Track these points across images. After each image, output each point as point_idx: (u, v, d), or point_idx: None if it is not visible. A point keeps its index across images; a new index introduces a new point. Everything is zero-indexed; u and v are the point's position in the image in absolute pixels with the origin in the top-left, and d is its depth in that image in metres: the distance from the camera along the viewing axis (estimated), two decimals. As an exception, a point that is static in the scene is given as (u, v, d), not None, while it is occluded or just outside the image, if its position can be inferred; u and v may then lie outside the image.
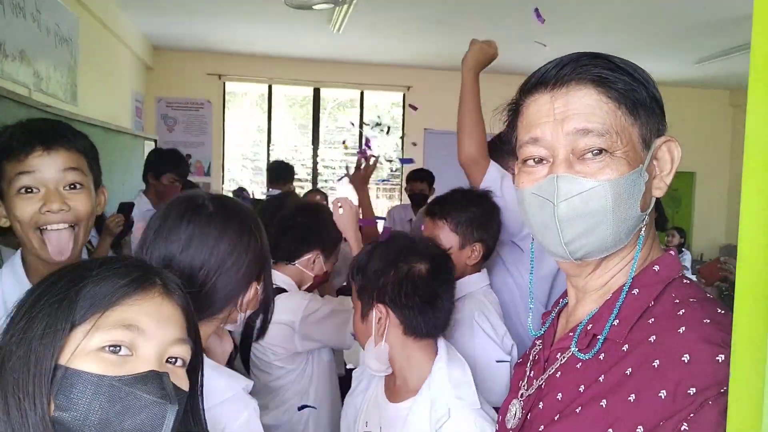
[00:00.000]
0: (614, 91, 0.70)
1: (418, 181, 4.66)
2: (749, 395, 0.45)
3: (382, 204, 7.63)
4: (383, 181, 7.67)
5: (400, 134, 7.49)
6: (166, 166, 3.38)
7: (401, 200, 7.39)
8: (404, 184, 4.62)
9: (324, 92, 7.36)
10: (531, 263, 0.88)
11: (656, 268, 0.72)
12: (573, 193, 0.69)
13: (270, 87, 7.16)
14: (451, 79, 8.29)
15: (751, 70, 0.50)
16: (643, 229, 0.72)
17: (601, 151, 0.69)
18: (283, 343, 1.70)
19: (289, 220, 1.88)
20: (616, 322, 0.70)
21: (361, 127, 7.46)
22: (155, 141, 5.63)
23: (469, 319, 1.56)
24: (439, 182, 7.50)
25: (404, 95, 7.37)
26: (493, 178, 1.78)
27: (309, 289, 1.90)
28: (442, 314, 1.25)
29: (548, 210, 0.70)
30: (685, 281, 0.73)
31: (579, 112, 0.70)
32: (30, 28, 3.16)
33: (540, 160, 0.74)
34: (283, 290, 1.78)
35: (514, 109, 0.80)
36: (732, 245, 6.72)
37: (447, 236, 1.61)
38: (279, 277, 1.81)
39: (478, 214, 1.63)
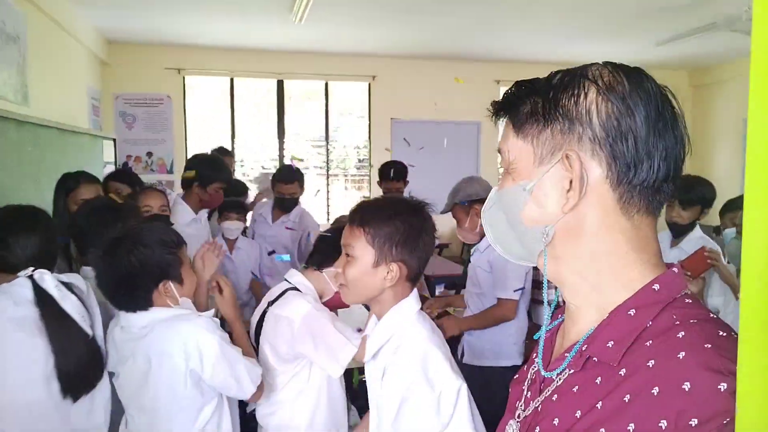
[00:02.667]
0: (514, 117, 0.76)
1: (394, 180, 4.22)
2: (758, 415, 0.43)
3: (353, 196, 7.57)
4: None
5: (367, 123, 7.43)
6: (213, 174, 3.24)
7: (371, 191, 7.35)
8: (376, 177, 4.39)
9: (288, 84, 7.25)
10: (544, 255, 0.92)
11: (656, 287, 0.69)
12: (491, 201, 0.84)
13: (232, 80, 7.01)
14: (417, 67, 8.31)
15: (752, 67, 0.47)
16: (545, 244, 0.74)
17: (506, 169, 0.77)
18: (281, 336, 1.78)
19: (331, 231, 1.98)
20: (610, 344, 0.68)
21: (326, 118, 7.37)
22: (114, 140, 5.45)
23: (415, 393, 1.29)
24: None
25: (369, 85, 7.31)
26: None
27: (329, 303, 1.92)
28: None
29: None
30: (687, 300, 0.69)
31: (503, 138, 0.79)
32: (-27, 27, 3.00)
33: None
34: (299, 291, 1.86)
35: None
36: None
37: (362, 248, 1.38)
38: (299, 278, 1.90)
39: (402, 228, 1.39)
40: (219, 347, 1.61)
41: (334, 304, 1.94)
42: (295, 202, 3.76)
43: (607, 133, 0.68)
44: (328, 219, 7.17)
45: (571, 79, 0.73)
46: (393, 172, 4.27)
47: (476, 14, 5.26)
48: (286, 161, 7.05)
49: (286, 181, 3.70)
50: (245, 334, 1.85)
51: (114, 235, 1.67)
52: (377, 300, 1.41)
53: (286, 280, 1.92)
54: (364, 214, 1.42)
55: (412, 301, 1.41)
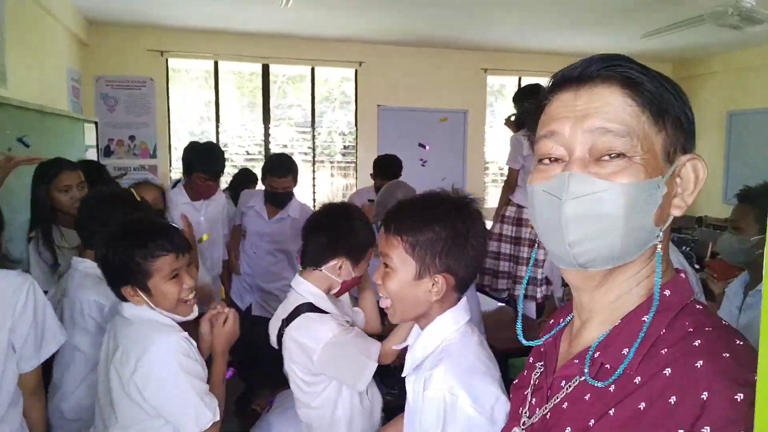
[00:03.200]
0: (641, 94, 0.66)
1: (386, 179, 3.95)
2: None
3: (339, 183, 7.53)
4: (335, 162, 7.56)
5: (353, 110, 7.38)
6: (195, 164, 3.16)
7: (357, 179, 7.32)
8: (362, 165, 4.35)
9: (273, 68, 7.15)
10: (528, 267, 0.84)
11: (667, 292, 0.68)
12: (584, 193, 0.65)
13: (216, 63, 6.90)
14: (404, 54, 8.25)
15: None
16: (659, 246, 0.68)
17: (619, 154, 0.65)
18: (303, 362, 1.68)
19: (315, 223, 1.84)
20: (624, 351, 0.66)
21: (312, 104, 7.30)
22: (96, 123, 5.34)
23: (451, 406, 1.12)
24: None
25: (356, 71, 7.24)
26: None
27: (339, 293, 1.85)
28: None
29: (555, 207, 0.67)
30: (697, 306, 0.69)
31: (601, 110, 0.66)
32: (-53, 4, 2.90)
33: (555, 160, 0.70)
34: (312, 305, 1.72)
35: (537, 108, 0.76)
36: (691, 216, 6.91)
37: (401, 260, 1.21)
38: (305, 286, 1.76)
39: (444, 234, 1.20)
40: (173, 376, 1.48)
41: (343, 291, 1.86)
42: (289, 196, 3.46)
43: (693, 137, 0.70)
44: (314, 206, 7.13)
45: (675, 84, 0.70)
46: (385, 166, 4.20)
47: (465, 3, 5.23)
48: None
49: (279, 174, 3.34)
50: (223, 373, 1.71)
51: (112, 227, 1.62)
52: (424, 315, 1.25)
53: (291, 287, 1.83)
54: (399, 220, 1.23)
55: (460, 311, 1.25)
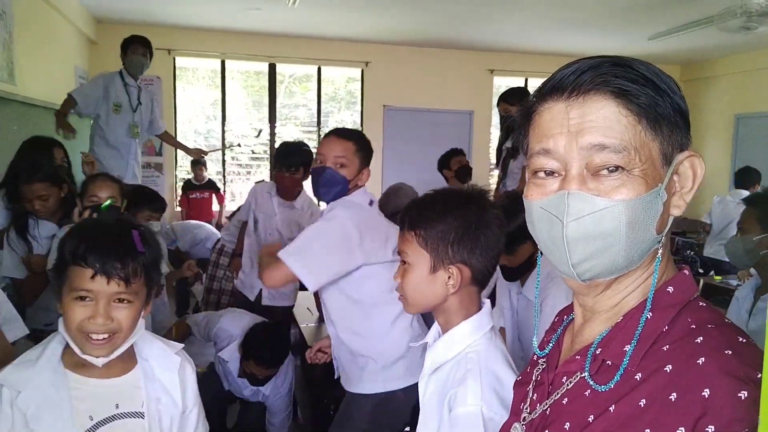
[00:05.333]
0: (635, 104, 0.65)
1: (462, 155, 4.75)
2: None
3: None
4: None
5: (359, 110, 7.39)
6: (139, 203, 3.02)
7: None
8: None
9: (280, 67, 7.17)
10: (537, 278, 0.83)
11: (670, 289, 0.68)
12: (584, 213, 0.64)
13: (223, 62, 6.92)
14: (411, 54, 8.24)
15: None
16: (660, 250, 0.68)
17: (617, 168, 0.64)
18: None
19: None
20: (626, 348, 0.66)
21: (318, 104, 7.31)
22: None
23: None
24: (397, 161, 7.47)
25: (362, 71, 7.25)
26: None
27: None
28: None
29: (557, 228, 0.66)
30: (700, 303, 0.68)
31: (596, 125, 0.65)
32: (-43, 1, 2.93)
33: (551, 173, 0.69)
34: None
35: (526, 114, 0.74)
36: (684, 218, 6.91)
37: (416, 254, 1.23)
38: None
39: (455, 224, 1.20)
40: None
41: None
42: (299, 191, 3.37)
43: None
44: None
45: (666, 76, 0.69)
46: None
47: (470, 3, 5.22)
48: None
49: (288, 167, 3.19)
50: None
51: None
52: (442, 309, 1.24)
53: None
54: (412, 215, 1.25)
55: (484, 318, 1.24)
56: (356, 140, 2.05)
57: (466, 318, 1.22)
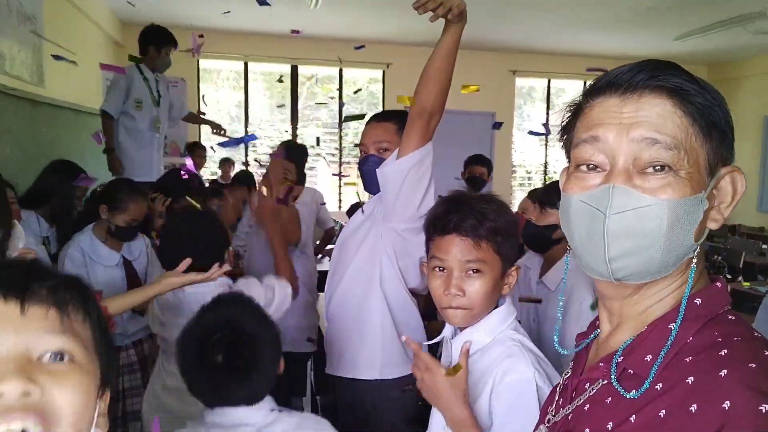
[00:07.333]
0: (691, 106, 0.64)
1: (480, 165, 4.71)
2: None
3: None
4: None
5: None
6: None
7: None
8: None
9: (302, 69, 7.22)
10: (564, 275, 0.82)
11: (698, 301, 0.67)
12: (628, 207, 0.63)
13: (246, 64, 6.99)
14: (432, 55, 8.07)
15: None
16: (694, 260, 0.67)
17: (664, 167, 0.63)
18: None
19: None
20: (648, 358, 0.65)
21: (341, 106, 7.34)
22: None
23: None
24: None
25: (384, 72, 7.26)
26: (429, 150, 1.74)
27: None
28: None
29: (598, 221, 0.65)
30: (730, 317, 0.67)
31: (649, 120, 0.64)
32: (-10, 6, 3.00)
33: (594, 168, 0.68)
34: None
35: (575, 111, 0.73)
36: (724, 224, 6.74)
37: (491, 259, 1.19)
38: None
39: (514, 223, 1.24)
40: None
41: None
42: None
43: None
44: (339, 207, 7.17)
45: (719, 94, 0.68)
46: (477, 159, 4.67)
47: (493, 4, 5.20)
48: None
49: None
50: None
51: None
52: None
53: None
54: (481, 220, 1.19)
55: (510, 308, 1.25)
56: (396, 120, 1.92)
57: (488, 310, 1.23)
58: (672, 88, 0.64)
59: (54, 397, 0.56)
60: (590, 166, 0.68)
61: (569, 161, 0.72)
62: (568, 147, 0.73)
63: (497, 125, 3.12)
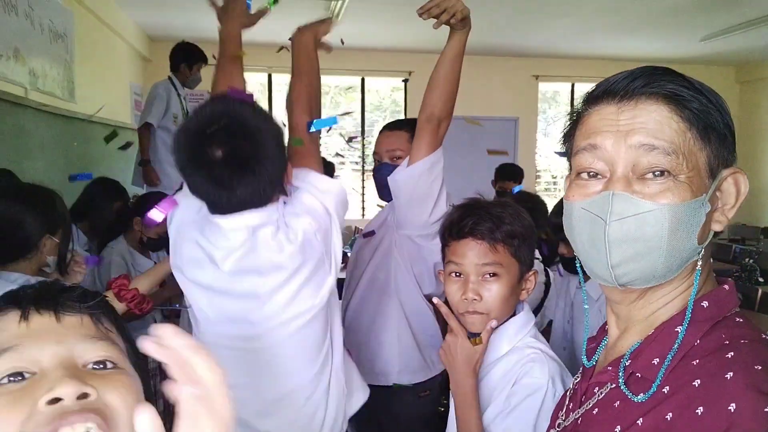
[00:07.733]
0: (687, 110, 0.65)
1: (512, 181, 4.52)
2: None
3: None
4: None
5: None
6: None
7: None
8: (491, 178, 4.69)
9: (324, 79, 7.27)
10: (581, 278, 0.82)
11: (704, 303, 0.67)
12: (628, 214, 0.64)
13: (270, 75, 7.08)
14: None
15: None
16: (699, 262, 0.67)
17: (663, 172, 0.64)
18: None
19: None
20: (655, 361, 0.66)
21: (362, 114, 7.38)
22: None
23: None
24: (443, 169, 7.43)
25: (406, 81, 7.28)
26: (439, 156, 1.76)
27: None
28: None
29: (599, 228, 0.66)
30: (738, 319, 0.67)
31: (646, 126, 0.64)
32: (23, 25, 3.10)
33: (595, 175, 0.69)
34: None
35: (575, 120, 0.74)
36: (742, 225, 6.63)
37: (508, 263, 1.18)
38: None
39: (531, 228, 1.23)
40: None
41: None
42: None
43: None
44: (363, 215, 7.19)
45: (717, 94, 0.69)
46: (509, 172, 4.49)
47: (514, 9, 5.19)
48: None
49: None
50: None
51: None
52: None
53: None
54: (497, 223, 1.18)
55: (530, 314, 1.25)
56: (408, 128, 1.93)
57: (507, 316, 1.22)
58: (667, 94, 0.65)
59: (108, 398, 0.57)
60: (591, 173, 0.69)
61: (571, 169, 0.73)
62: (570, 155, 0.74)
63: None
